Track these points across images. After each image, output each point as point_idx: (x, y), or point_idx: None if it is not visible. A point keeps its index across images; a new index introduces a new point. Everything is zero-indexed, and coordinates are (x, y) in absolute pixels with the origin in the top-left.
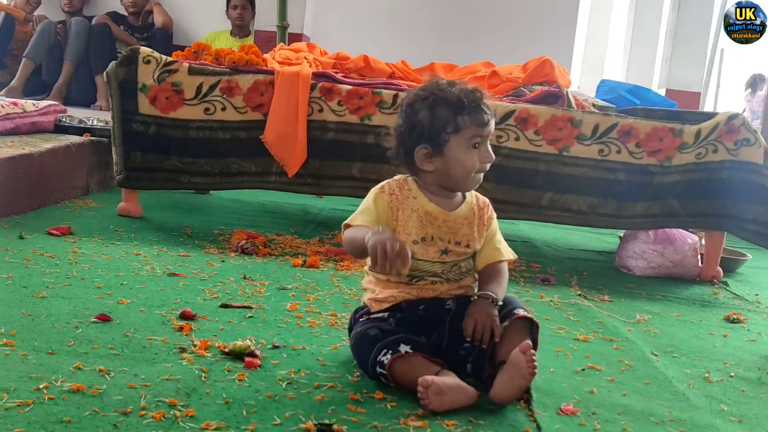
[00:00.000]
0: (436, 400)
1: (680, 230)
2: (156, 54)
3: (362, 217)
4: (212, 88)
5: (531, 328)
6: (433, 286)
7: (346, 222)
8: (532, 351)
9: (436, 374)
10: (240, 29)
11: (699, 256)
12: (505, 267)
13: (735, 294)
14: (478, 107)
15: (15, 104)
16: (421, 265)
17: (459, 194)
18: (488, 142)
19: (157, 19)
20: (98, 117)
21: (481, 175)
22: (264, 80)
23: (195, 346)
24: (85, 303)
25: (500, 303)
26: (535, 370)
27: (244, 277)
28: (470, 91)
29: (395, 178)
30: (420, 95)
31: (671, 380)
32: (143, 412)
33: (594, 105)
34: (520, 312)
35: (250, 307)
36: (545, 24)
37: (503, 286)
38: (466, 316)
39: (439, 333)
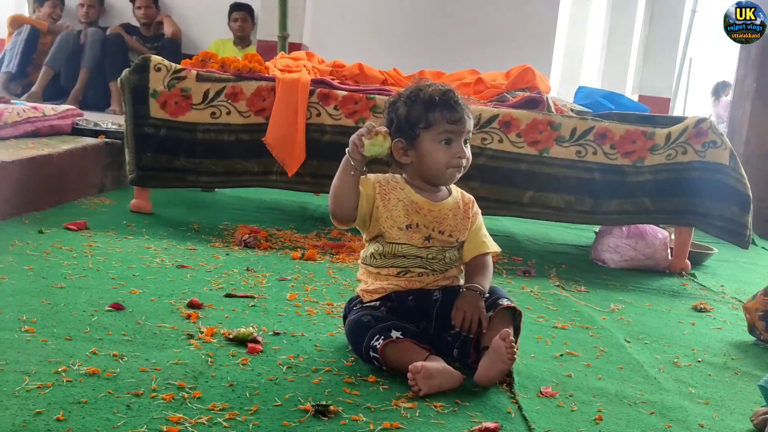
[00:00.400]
0: (425, 384)
1: (651, 226)
2: (166, 62)
3: None
4: (218, 93)
5: (514, 316)
6: (420, 278)
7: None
8: (511, 338)
9: (425, 359)
10: (241, 40)
11: (669, 250)
12: (489, 259)
13: (702, 285)
14: (450, 105)
15: (35, 108)
16: (406, 250)
17: (444, 189)
18: (463, 140)
19: (167, 30)
20: (112, 120)
21: (456, 171)
22: (266, 86)
23: (202, 332)
24: (100, 293)
25: (486, 295)
26: (515, 356)
27: (247, 269)
28: (444, 91)
29: (384, 174)
30: (401, 94)
31: (643, 365)
32: (154, 394)
33: (572, 110)
34: (505, 302)
35: (252, 297)
36: (527, 35)
37: (489, 278)
38: (455, 307)
39: (427, 321)
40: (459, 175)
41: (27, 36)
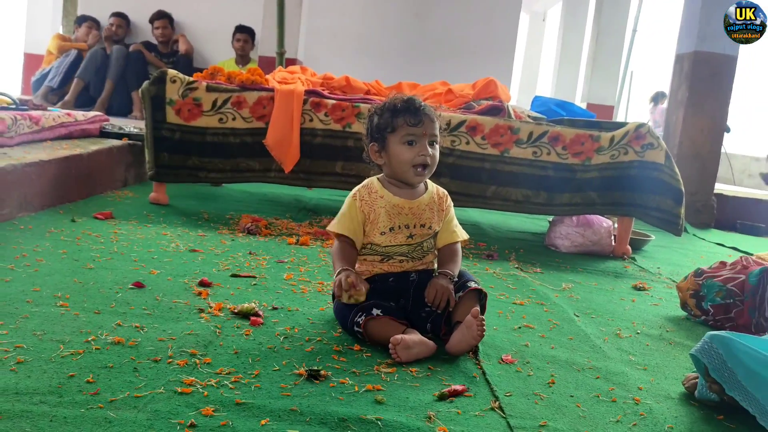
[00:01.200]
0: (404, 353)
1: (597, 216)
2: (180, 75)
3: (339, 225)
4: (225, 102)
5: (480, 296)
6: (400, 264)
7: (328, 228)
8: (482, 317)
9: (403, 332)
10: (242, 58)
11: (612, 237)
12: (459, 247)
13: (641, 267)
14: (410, 111)
15: (69, 114)
16: (390, 249)
17: (421, 186)
18: (429, 142)
19: (181, 47)
20: (134, 125)
21: (422, 169)
22: (266, 96)
23: (211, 307)
24: (124, 273)
25: (455, 279)
26: (484, 332)
27: (250, 253)
28: (406, 99)
29: (363, 184)
30: (377, 106)
31: (590, 336)
32: (170, 360)
33: (529, 116)
34: (472, 285)
35: (254, 277)
36: (491, 51)
37: (458, 264)
38: (429, 286)
39: (405, 299)
40: (425, 176)
41: (73, 59)
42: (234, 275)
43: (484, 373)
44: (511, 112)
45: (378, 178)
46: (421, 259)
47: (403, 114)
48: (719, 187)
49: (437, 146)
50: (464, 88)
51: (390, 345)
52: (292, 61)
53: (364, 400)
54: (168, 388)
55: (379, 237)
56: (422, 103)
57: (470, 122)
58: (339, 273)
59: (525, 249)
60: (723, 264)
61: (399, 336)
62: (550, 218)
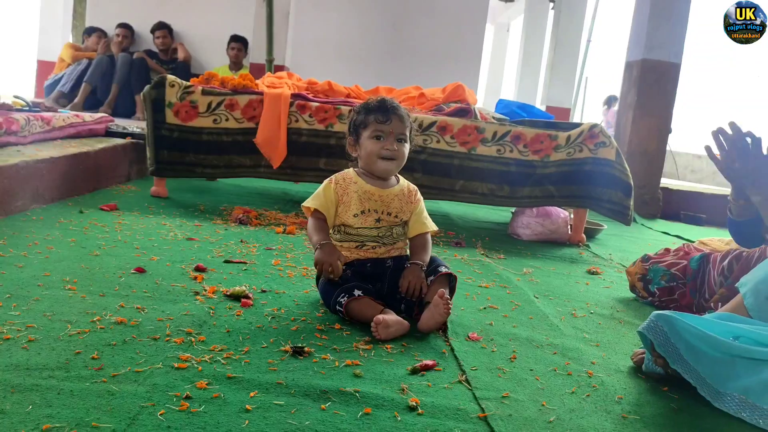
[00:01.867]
0: (384, 332)
1: (555, 207)
2: (179, 80)
3: (313, 201)
4: (219, 104)
5: (450, 279)
6: (374, 249)
7: (303, 204)
8: (448, 297)
9: (380, 312)
10: (235, 65)
11: (569, 226)
12: (429, 237)
13: (594, 254)
14: (380, 110)
15: (77, 116)
16: (361, 231)
17: (392, 179)
18: (396, 139)
19: (180, 55)
20: (137, 125)
21: (388, 162)
22: (256, 99)
23: (205, 290)
24: (127, 259)
25: (425, 268)
26: (450, 311)
27: (241, 241)
28: (379, 100)
29: (341, 172)
30: (358, 105)
31: (548, 316)
32: (168, 338)
33: (494, 117)
34: (443, 269)
35: (245, 263)
36: (459, 59)
37: (428, 253)
38: (403, 277)
39: (381, 283)
40: (392, 166)
41: (84, 68)
42: (227, 261)
43: (452, 350)
44: (478, 113)
45: (355, 170)
46: (393, 245)
47: (374, 112)
48: (665, 182)
49: (406, 144)
50: (435, 92)
51: (372, 324)
52: (280, 68)
53: (343, 374)
54: (166, 364)
55: (352, 219)
56: (395, 105)
57: (440, 123)
58: (319, 250)
59: (490, 237)
60: (667, 251)
61: (381, 316)
62: (513, 209)
